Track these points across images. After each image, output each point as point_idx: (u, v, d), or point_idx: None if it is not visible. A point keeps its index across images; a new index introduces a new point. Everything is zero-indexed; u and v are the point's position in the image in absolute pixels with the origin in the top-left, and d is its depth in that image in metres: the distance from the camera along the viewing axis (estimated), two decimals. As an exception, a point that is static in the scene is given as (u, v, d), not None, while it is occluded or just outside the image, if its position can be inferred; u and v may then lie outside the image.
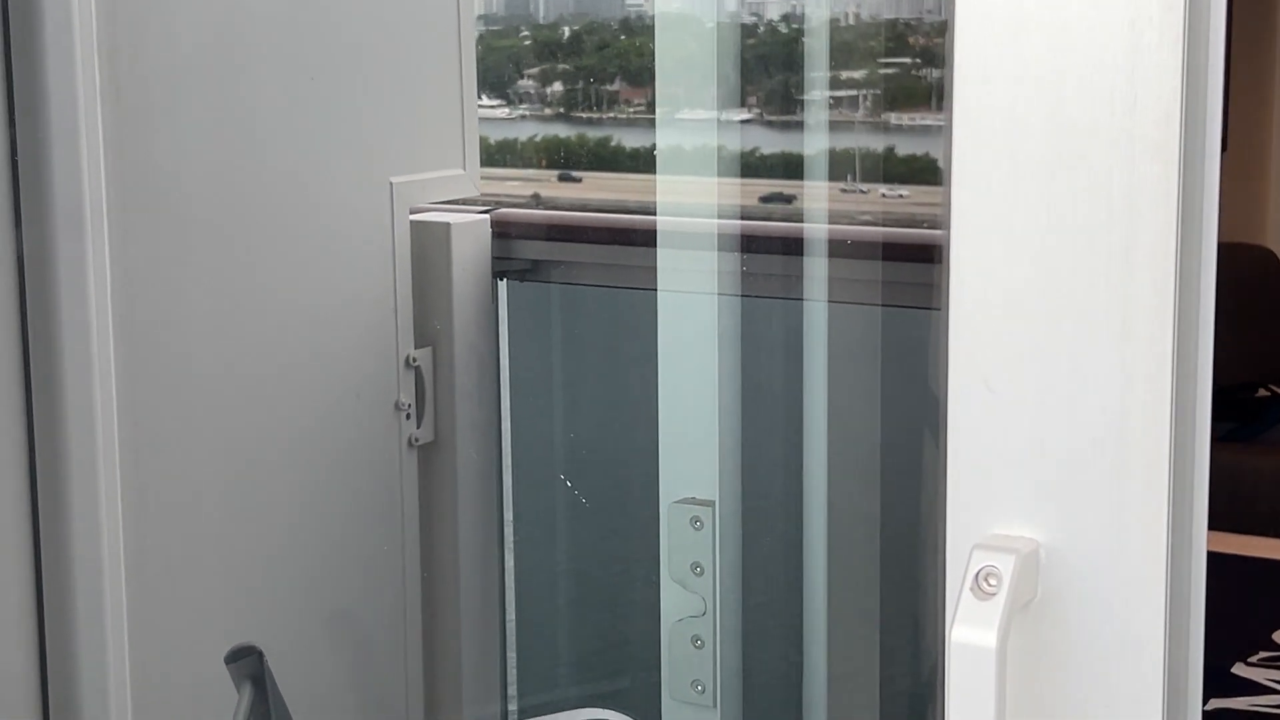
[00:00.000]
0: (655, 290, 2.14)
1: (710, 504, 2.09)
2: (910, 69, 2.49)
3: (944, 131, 1.01)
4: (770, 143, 2.41)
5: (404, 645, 2.40)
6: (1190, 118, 0.94)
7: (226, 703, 1.80)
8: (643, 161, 3.44)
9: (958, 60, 0.98)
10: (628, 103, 3.57)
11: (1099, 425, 0.97)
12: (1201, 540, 0.99)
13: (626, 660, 2.60)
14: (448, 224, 2.41)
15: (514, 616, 2.61)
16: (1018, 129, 0.97)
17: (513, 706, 2.62)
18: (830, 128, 2.21)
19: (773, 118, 2.40)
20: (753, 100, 2.38)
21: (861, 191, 2.24)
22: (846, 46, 2.23)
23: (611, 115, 3.60)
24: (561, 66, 3.63)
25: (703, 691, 2.12)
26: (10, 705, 1.93)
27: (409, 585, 2.40)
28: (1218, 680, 2.24)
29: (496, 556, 2.55)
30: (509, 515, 2.58)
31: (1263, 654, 2.34)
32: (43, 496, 1.91)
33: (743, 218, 2.22)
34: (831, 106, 2.22)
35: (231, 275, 2.09)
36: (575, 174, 2.29)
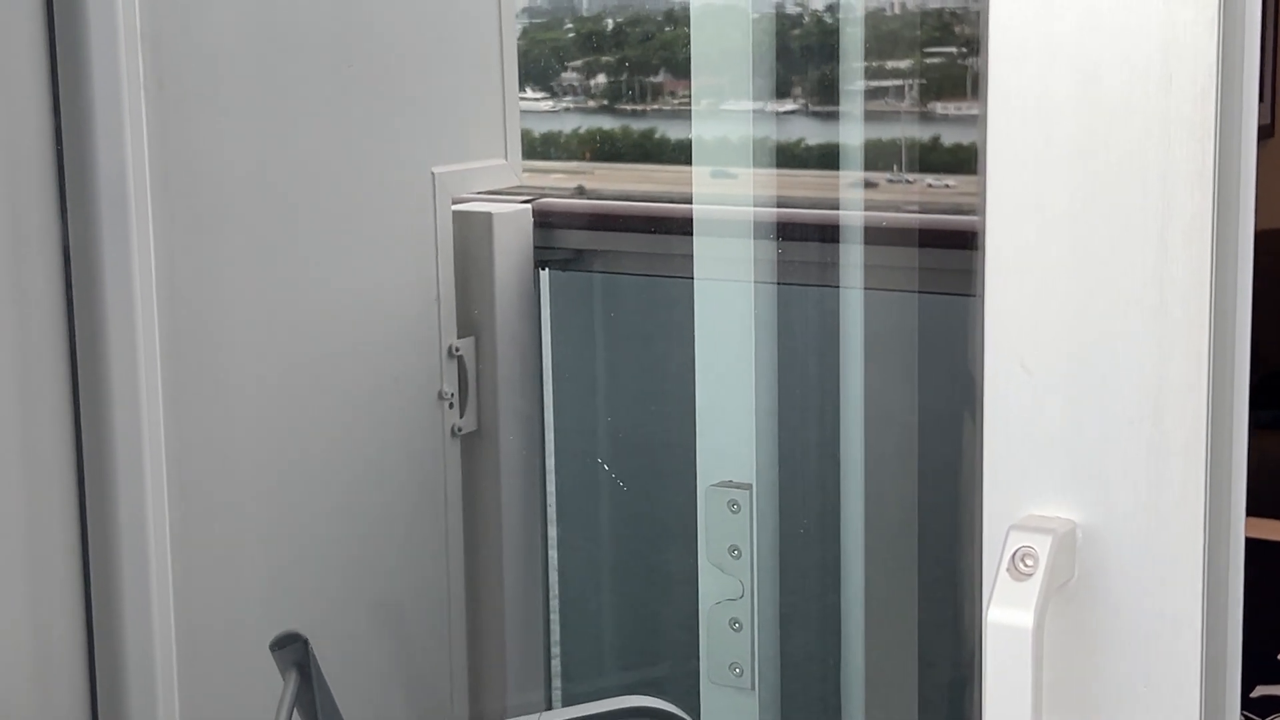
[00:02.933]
0: (688, 278, 2.15)
1: (748, 487, 2.09)
2: (956, 58, 2.48)
3: (979, 112, 1.01)
4: (816, 134, 2.41)
5: (448, 633, 2.41)
6: (1226, 95, 0.94)
7: (272, 689, 1.81)
8: (687, 153, 3.44)
9: (991, 40, 0.98)
10: (672, 94, 3.57)
11: (1135, 405, 0.96)
12: (1240, 520, 0.99)
13: (672, 645, 2.61)
14: (490, 214, 2.42)
15: (557, 604, 2.62)
16: (1051, 108, 0.96)
17: (557, 692, 2.62)
18: (875, 118, 2.20)
19: (817, 109, 2.39)
20: (796, 91, 2.38)
21: (908, 182, 2.23)
22: (892, 36, 2.22)
23: (656, 107, 3.60)
24: (605, 59, 3.63)
25: (740, 674, 2.12)
26: (58, 691, 1.95)
27: (452, 573, 2.41)
28: (1265, 667, 2.23)
29: (540, 544, 2.56)
30: (552, 503, 2.59)
31: (1311, 642, 2.33)
32: (89, 484, 1.93)
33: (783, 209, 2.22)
34: (876, 96, 2.22)
35: (274, 265, 2.11)
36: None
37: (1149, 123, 0.94)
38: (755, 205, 2.15)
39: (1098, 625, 0.99)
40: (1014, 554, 0.97)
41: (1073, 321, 0.98)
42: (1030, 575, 0.96)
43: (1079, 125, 0.96)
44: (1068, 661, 0.99)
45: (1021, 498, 1.00)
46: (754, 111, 2.17)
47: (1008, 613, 0.95)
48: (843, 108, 2.19)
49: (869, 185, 2.20)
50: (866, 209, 2.17)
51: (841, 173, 2.16)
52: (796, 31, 2.39)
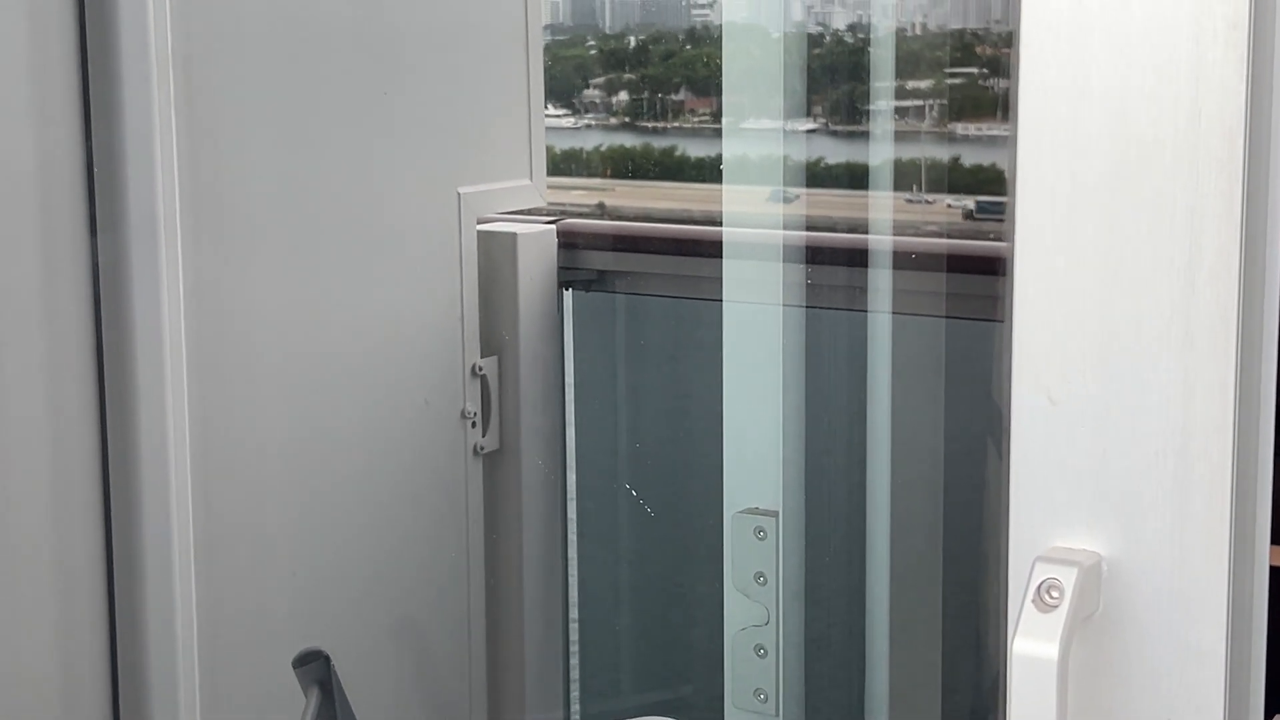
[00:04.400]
0: (720, 301, 2.15)
1: (774, 514, 2.09)
2: (976, 79, 2.49)
3: (1009, 144, 1.02)
4: (835, 153, 2.41)
5: (468, 651, 2.41)
6: (1255, 131, 0.94)
7: (294, 707, 1.81)
8: (707, 171, 3.45)
9: (1022, 73, 0.98)
10: (693, 112, 3.58)
11: (1161, 437, 0.97)
12: (1264, 553, 0.99)
13: (689, 669, 2.61)
14: (514, 234, 2.43)
15: (577, 624, 2.62)
16: (1081, 141, 0.97)
17: (576, 713, 2.63)
18: (895, 138, 2.20)
19: (838, 128, 2.40)
20: (818, 110, 2.38)
21: (927, 202, 2.23)
22: (913, 56, 2.23)
23: (677, 125, 3.61)
24: (627, 76, 3.64)
25: (765, 700, 2.12)
26: (82, 709, 1.95)
27: (473, 592, 2.41)
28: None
29: (560, 564, 2.56)
30: (573, 523, 2.60)
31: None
32: (115, 502, 1.93)
33: (809, 228, 2.22)
34: (897, 117, 2.22)
35: (300, 284, 2.12)
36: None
37: (1178, 158, 0.95)
38: (785, 228, 2.15)
39: (1123, 657, 0.99)
40: (1040, 586, 0.97)
41: (1099, 354, 0.98)
42: (1056, 607, 0.96)
43: (1108, 160, 0.96)
44: (1092, 693, 1.00)
45: (1047, 529, 1.00)
46: (785, 131, 2.17)
47: (1033, 644, 0.96)
48: (870, 128, 2.19)
49: (887, 206, 2.19)
50: (890, 230, 2.16)
51: (871, 194, 2.16)
52: (818, 50, 2.39)
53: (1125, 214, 0.97)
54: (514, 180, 2.46)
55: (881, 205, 2.17)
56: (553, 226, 2.51)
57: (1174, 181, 0.95)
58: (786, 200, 2.22)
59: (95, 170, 1.87)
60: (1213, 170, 0.94)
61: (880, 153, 2.19)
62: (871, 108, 2.23)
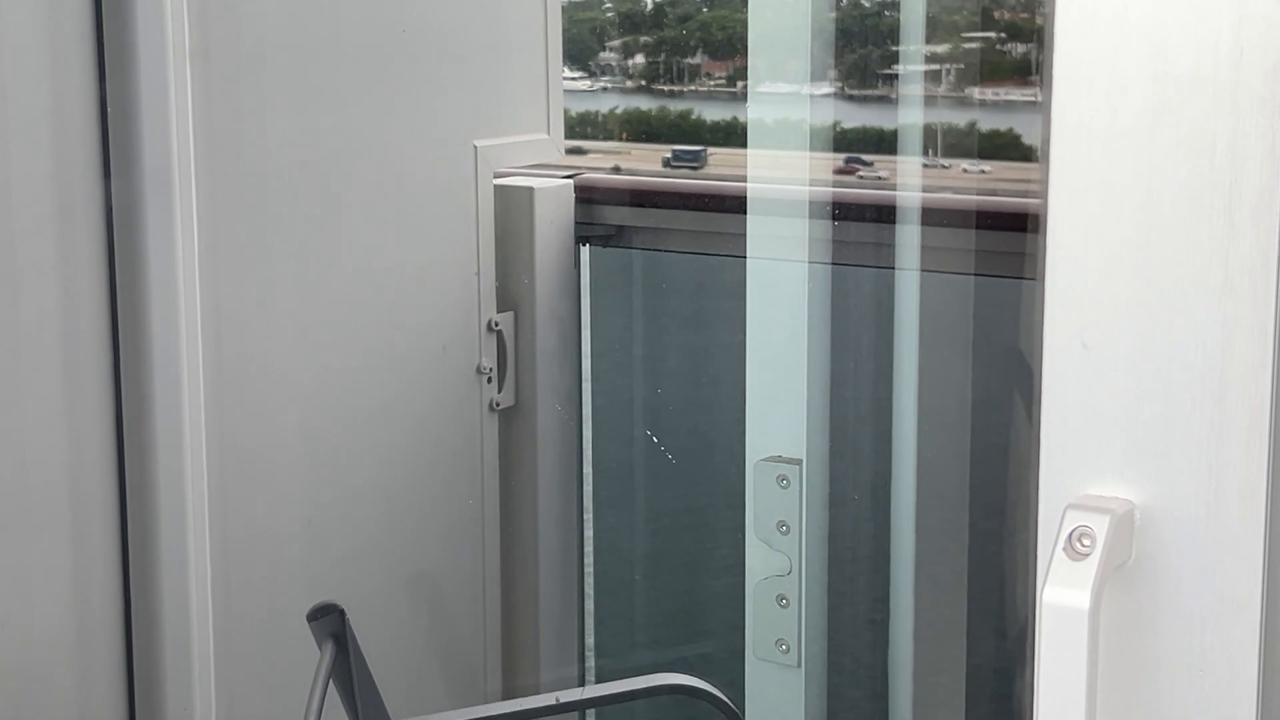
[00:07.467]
0: (737, 256, 2.14)
1: (798, 462, 2.07)
2: (995, 43, 2.47)
3: (1043, 82, 1.00)
4: (850, 117, 2.40)
5: (483, 606, 2.41)
6: (1298, 71, 0.92)
7: (309, 659, 1.81)
8: (724, 135, 3.43)
9: (1058, 13, 0.96)
10: (709, 76, 3.56)
11: (1197, 384, 0.95)
12: (1302, 503, 0.97)
13: (708, 623, 2.60)
14: (531, 188, 2.41)
15: (593, 579, 2.62)
16: (1119, 82, 0.95)
17: (591, 668, 2.62)
18: (912, 102, 2.20)
19: (853, 91, 2.38)
20: (833, 74, 2.37)
21: (943, 166, 2.22)
22: (930, 20, 2.21)
23: (693, 88, 3.59)
24: (643, 39, 3.63)
25: (787, 651, 2.12)
26: (96, 659, 1.95)
27: (488, 547, 2.41)
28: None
29: (576, 520, 2.55)
30: (589, 479, 2.59)
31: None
32: (129, 451, 1.93)
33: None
34: (918, 80, 2.21)
35: (315, 236, 2.10)
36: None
37: (1218, 97, 0.93)
38: (811, 185, 2.14)
39: (1155, 607, 0.97)
40: (1071, 533, 0.95)
41: (1135, 298, 0.96)
42: (1087, 555, 0.95)
43: (1147, 99, 0.94)
44: (1123, 642, 0.98)
45: (1079, 477, 0.99)
46: (811, 95, 2.16)
47: (1064, 593, 0.94)
48: (881, 91, 2.18)
49: (908, 168, 2.18)
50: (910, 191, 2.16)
51: (900, 158, 2.15)
52: (833, 14, 2.38)
53: (1163, 154, 0.95)
54: (531, 134, 2.44)
55: (902, 168, 2.16)
56: (570, 181, 2.49)
57: (1214, 121, 0.93)
58: (865, 164, 2.22)
59: (109, 119, 1.86)
60: (1254, 109, 0.92)
61: (899, 116, 2.18)
62: (888, 71, 2.22)
